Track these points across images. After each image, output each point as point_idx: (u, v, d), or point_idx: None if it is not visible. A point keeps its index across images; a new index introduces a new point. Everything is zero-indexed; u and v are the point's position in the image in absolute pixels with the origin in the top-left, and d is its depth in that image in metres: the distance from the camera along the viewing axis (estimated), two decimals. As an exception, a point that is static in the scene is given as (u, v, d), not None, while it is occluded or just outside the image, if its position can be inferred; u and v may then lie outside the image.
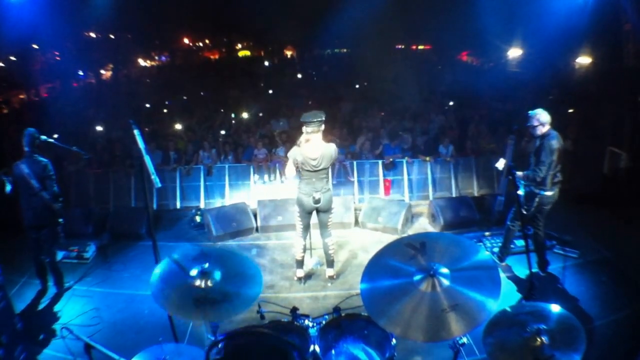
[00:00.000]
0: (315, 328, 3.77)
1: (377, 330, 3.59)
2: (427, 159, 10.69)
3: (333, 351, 3.66)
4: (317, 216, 6.41)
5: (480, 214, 8.74)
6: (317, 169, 5.99)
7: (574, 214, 8.19)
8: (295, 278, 6.85)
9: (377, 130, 12.52)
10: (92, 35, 26.75)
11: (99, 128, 13.34)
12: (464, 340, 3.19)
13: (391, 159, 10.61)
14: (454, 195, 10.34)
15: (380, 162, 10.67)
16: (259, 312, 3.97)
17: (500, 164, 6.60)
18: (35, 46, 21.51)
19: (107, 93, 21.51)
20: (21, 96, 21.35)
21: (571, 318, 3.01)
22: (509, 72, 18.32)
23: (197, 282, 3.38)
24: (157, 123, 14.72)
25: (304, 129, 5.92)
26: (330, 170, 6.40)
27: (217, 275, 3.45)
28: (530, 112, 6.05)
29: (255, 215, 8.72)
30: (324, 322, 3.81)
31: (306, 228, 6.44)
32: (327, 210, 6.31)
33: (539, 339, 2.84)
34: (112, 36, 28.68)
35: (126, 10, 19.50)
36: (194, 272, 3.44)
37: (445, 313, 2.85)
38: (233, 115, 15.73)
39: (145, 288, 6.26)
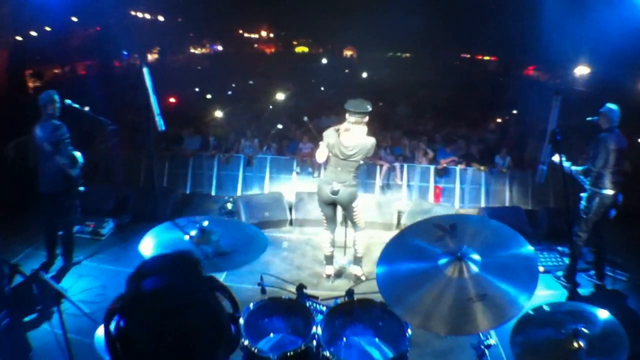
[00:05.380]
0: (322, 311, 3.41)
1: (391, 319, 3.17)
2: (482, 168, 10.16)
3: (344, 338, 3.30)
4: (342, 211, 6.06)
5: (531, 227, 8.21)
6: (347, 158, 5.62)
7: (624, 234, 7.56)
8: (324, 275, 6.36)
9: (432, 134, 12.09)
10: (139, 15, 25.96)
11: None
12: (491, 341, 2.80)
13: (444, 165, 10.15)
14: (507, 208, 9.73)
15: (432, 167, 10.17)
16: (260, 284, 3.62)
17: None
18: (74, 19, 20.39)
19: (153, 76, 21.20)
20: (55, 71, 20.52)
21: (616, 324, 2.56)
22: (575, 90, 17.59)
23: (197, 240, 3.18)
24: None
25: (347, 117, 5.64)
26: (360, 166, 5.96)
27: (216, 235, 3.22)
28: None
29: (290, 208, 8.38)
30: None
31: (331, 221, 6.05)
32: (348, 206, 5.83)
33: (575, 343, 2.43)
34: (161, 18, 27.87)
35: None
36: (192, 232, 3.23)
37: (472, 303, 2.44)
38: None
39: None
